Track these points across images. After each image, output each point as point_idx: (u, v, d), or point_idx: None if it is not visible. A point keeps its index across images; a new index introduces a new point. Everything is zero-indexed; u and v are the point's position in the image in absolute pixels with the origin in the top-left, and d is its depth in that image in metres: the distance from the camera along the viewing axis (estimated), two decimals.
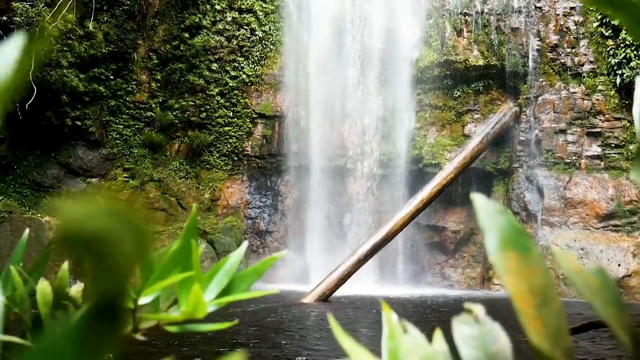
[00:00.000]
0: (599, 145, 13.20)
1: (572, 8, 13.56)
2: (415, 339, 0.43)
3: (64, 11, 12.49)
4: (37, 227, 11.66)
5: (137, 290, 0.70)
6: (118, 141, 14.74)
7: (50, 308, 0.78)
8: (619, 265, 11.80)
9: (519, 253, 0.35)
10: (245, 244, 0.81)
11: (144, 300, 0.68)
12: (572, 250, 12.28)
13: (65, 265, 0.86)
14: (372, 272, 13.48)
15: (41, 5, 11.72)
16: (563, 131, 13.41)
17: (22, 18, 11.52)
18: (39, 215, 12.14)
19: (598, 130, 13.21)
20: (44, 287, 0.81)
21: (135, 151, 14.85)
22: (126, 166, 14.57)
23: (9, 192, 13.24)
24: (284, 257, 14.90)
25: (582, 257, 12.12)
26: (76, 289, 0.80)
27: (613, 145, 13.11)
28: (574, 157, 13.29)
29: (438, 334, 0.45)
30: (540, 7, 13.73)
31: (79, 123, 13.95)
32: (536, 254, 0.35)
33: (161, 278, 0.68)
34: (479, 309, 0.40)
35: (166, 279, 0.66)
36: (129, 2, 14.18)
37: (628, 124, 13.04)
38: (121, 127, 14.77)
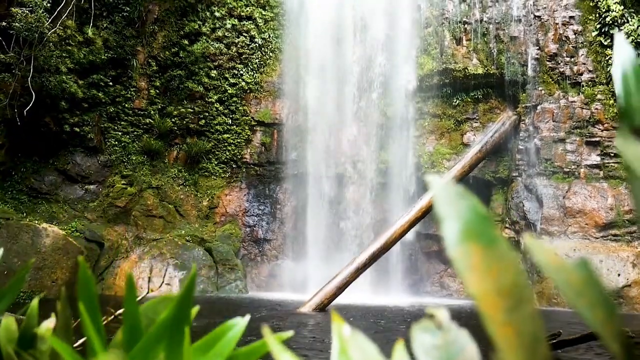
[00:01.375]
0: (598, 155, 13.15)
1: (571, 17, 13.56)
2: (368, 354, 0.37)
3: (63, 17, 12.50)
4: (33, 233, 11.58)
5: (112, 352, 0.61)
6: (116, 148, 14.69)
7: (14, 346, 0.69)
8: (619, 275, 11.71)
9: (484, 245, 0.29)
10: (247, 318, 0.72)
11: None
12: (571, 259, 12.18)
13: (35, 301, 0.76)
14: (371, 281, 13.38)
15: (41, 11, 11.71)
16: (562, 140, 13.37)
17: (22, 24, 11.51)
18: (36, 221, 12.06)
19: (597, 139, 13.17)
20: (8, 323, 0.71)
21: (134, 158, 14.80)
22: (124, 173, 14.51)
23: (6, 198, 13.17)
24: (281, 265, 14.81)
25: None
26: (46, 326, 0.71)
27: (612, 154, 13.06)
28: (573, 166, 13.24)
29: (399, 347, 0.39)
30: (539, 16, 13.73)
31: (77, 129, 13.91)
32: (504, 246, 0.30)
33: (146, 351, 0.58)
34: (442, 315, 0.35)
35: (152, 351, 0.58)
36: (128, 9, 14.18)
37: None
38: (120, 133, 14.73)
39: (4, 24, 11.69)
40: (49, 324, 0.72)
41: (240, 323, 0.65)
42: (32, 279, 11.17)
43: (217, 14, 15.07)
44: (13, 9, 11.62)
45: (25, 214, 12.85)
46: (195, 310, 0.64)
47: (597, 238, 12.62)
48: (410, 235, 13.29)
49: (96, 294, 0.63)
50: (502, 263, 0.29)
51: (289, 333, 0.63)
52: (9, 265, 10.86)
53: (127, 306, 0.59)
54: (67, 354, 0.54)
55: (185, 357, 0.56)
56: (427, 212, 12.47)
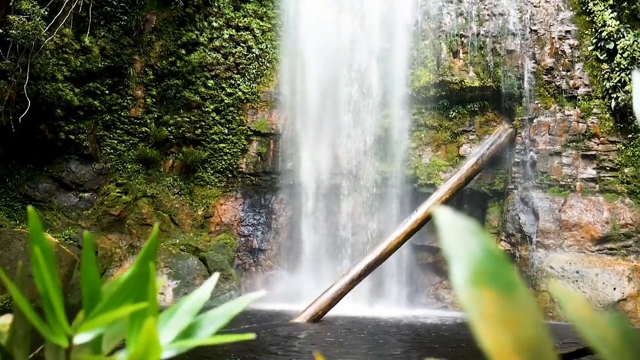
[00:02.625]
0: (594, 168, 13.17)
1: (567, 32, 13.64)
2: None
3: (60, 25, 12.49)
4: (26, 241, 11.48)
5: (75, 325, 0.59)
6: (112, 156, 14.63)
7: None
8: (614, 289, 11.68)
9: (499, 291, 0.24)
10: (215, 276, 0.70)
11: (81, 337, 0.57)
12: (567, 273, 12.17)
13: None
14: (366, 293, 13.31)
15: (38, 19, 11.70)
16: (558, 153, 13.39)
17: (19, 31, 11.49)
18: (29, 229, 11.97)
19: (593, 153, 13.20)
20: None
21: (129, 166, 14.74)
22: (119, 181, 14.44)
23: None
24: (276, 275, 14.72)
25: (577, 281, 12.01)
26: (2, 322, 0.67)
27: (608, 168, 13.09)
28: (569, 180, 13.25)
29: None
30: (535, 30, 13.80)
31: (72, 137, 13.85)
32: (523, 292, 0.25)
33: (107, 310, 0.56)
34: None
35: (114, 311, 0.55)
36: (126, 18, 14.19)
37: (623, 147, 13.03)
38: (115, 142, 14.68)
39: (0, 31, 11.66)
40: (6, 320, 0.68)
41: (206, 284, 0.63)
42: (24, 286, 11.05)
43: (214, 24, 15.10)
44: (10, 16, 11.60)
45: (18, 222, 12.75)
46: (162, 281, 0.61)
47: (593, 252, 12.61)
48: (405, 247, 13.25)
49: (51, 248, 0.60)
50: (520, 313, 0.25)
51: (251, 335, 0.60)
52: None
53: (85, 267, 0.55)
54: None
55: (151, 311, 0.52)
56: (423, 224, 12.44)
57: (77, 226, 13.73)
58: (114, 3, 14.07)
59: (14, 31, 11.44)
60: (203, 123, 15.13)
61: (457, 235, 0.26)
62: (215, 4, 15.17)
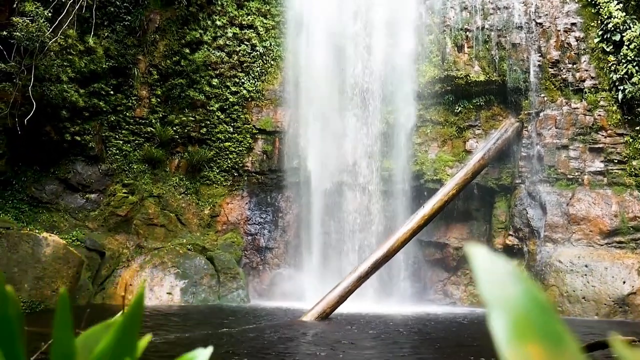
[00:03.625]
0: (601, 161, 13.07)
1: (572, 24, 13.52)
2: None
3: (64, 26, 12.49)
4: (34, 243, 11.50)
5: None
6: (117, 156, 14.65)
7: None
8: (624, 282, 11.61)
9: (548, 346, 0.23)
10: (209, 350, 0.62)
11: None
12: (575, 267, 12.09)
13: None
14: (374, 290, 13.29)
15: (42, 21, 11.69)
16: (565, 147, 13.30)
17: (23, 33, 11.49)
18: (36, 231, 11.99)
19: (600, 146, 13.10)
20: None
21: (135, 167, 14.75)
22: (125, 182, 14.46)
23: (6, 207, 13.12)
24: (283, 274, 14.72)
25: (586, 275, 11.93)
26: None
27: (616, 161, 12.98)
28: (576, 173, 13.16)
29: None
30: (540, 23, 13.69)
31: (78, 138, 13.87)
32: (573, 346, 0.21)
33: None
34: None
35: None
36: (129, 18, 14.18)
37: (631, 140, 12.93)
38: (121, 142, 14.69)
39: (4, 33, 11.67)
40: None
41: (201, 356, 0.57)
42: (32, 288, 11.09)
43: (218, 22, 15.07)
44: (14, 18, 11.61)
45: (25, 224, 12.79)
46: (146, 340, 0.54)
47: (602, 245, 12.53)
48: (412, 243, 13.21)
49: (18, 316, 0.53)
50: None
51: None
52: (9, 275, 10.80)
53: (58, 334, 0.49)
54: None
55: None
56: (430, 220, 12.40)
57: (84, 227, 13.76)
58: (118, 3, 14.06)
59: (18, 33, 11.45)
60: (208, 122, 15.12)
61: (497, 280, 0.22)
62: (219, 3, 15.14)
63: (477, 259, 0.25)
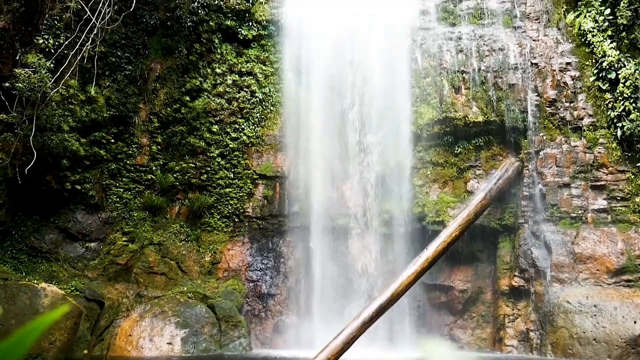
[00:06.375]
0: (604, 199, 12.98)
1: (567, 63, 13.70)
2: None
3: (66, 77, 12.66)
4: (32, 293, 11.32)
5: None
6: (118, 204, 14.59)
7: None
8: (635, 322, 11.32)
9: None
10: None
11: None
12: (584, 307, 11.83)
13: None
14: (378, 335, 12.97)
15: (44, 72, 11.86)
16: (567, 185, 13.24)
17: (25, 84, 11.64)
18: (35, 281, 11.81)
19: (602, 183, 13.04)
20: None
21: (135, 214, 14.67)
22: (125, 230, 14.35)
23: (5, 257, 12.97)
24: (286, 321, 14.40)
25: (595, 315, 11.65)
26: None
27: (619, 198, 12.89)
28: (579, 211, 13.05)
29: None
30: (536, 64, 13.88)
31: (78, 187, 13.85)
32: None
33: None
34: None
35: None
36: (130, 67, 14.40)
37: (632, 177, 12.88)
38: (121, 190, 14.66)
39: (7, 84, 11.83)
40: None
41: None
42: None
43: (218, 70, 15.29)
44: (17, 69, 11.78)
45: (24, 274, 12.62)
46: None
47: (610, 284, 12.29)
48: (417, 287, 12.98)
49: None
50: None
51: None
52: (6, 328, 10.57)
53: None
54: None
55: None
56: (434, 263, 12.22)
57: (83, 277, 13.57)
58: (119, 53, 14.31)
59: (20, 84, 11.60)
60: (209, 168, 15.14)
61: None
62: (219, 51, 15.41)
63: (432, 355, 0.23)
